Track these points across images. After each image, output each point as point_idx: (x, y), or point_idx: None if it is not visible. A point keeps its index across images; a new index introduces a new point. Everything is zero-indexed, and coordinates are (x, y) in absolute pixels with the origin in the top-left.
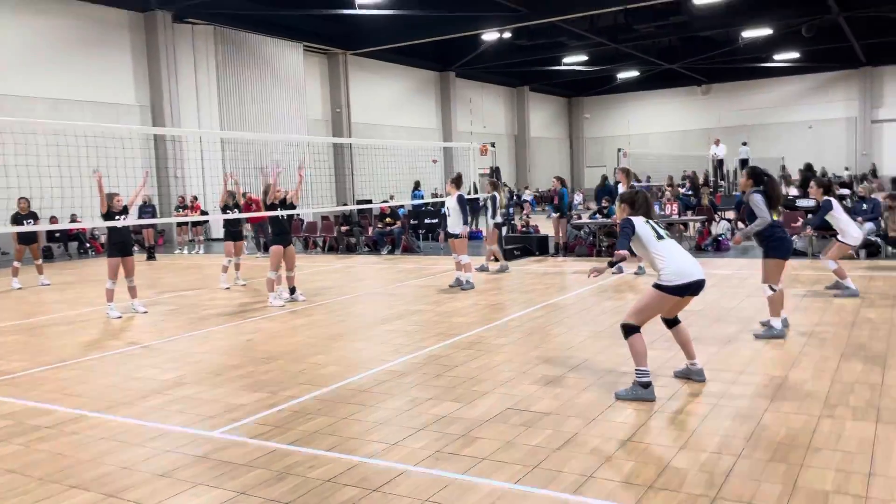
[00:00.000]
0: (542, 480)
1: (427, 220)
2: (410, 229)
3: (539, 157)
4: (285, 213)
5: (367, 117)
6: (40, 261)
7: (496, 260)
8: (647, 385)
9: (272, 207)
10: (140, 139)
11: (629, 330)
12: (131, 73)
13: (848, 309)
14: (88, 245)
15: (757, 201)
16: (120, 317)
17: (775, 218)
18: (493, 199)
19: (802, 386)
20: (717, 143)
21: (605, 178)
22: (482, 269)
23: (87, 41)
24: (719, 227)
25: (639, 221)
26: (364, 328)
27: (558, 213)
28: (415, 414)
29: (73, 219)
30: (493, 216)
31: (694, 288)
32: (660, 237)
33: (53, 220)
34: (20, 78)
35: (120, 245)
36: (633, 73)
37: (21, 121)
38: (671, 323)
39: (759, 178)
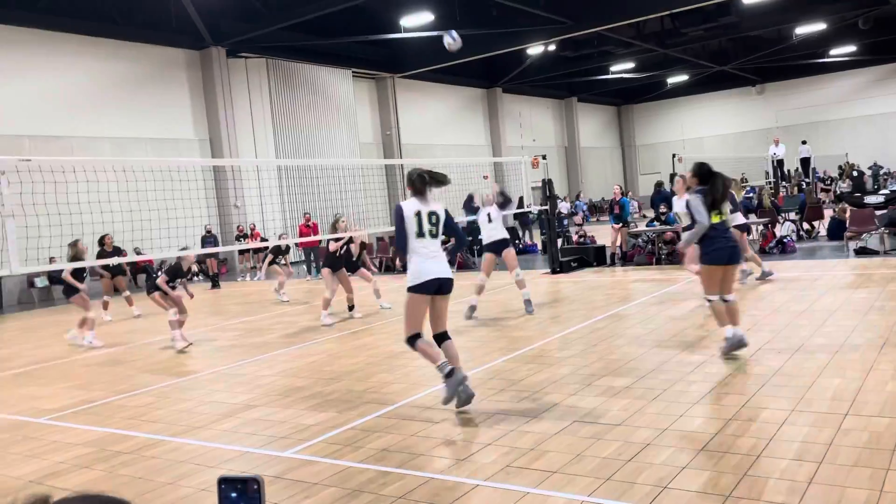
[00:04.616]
0: (616, 492)
1: (481, 236)
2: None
3: (591, 167)
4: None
5: (416, 138)
6: (127, 293)
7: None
8: (451, 373)
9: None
10: (201, 172)
11: (410, 342)
12: (189, 109)
13: None
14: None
15: (695, 204)
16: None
17: (715, 220)
18: (732, 198)
19: (884, 388)
20: (776, 142)
21: (660, 184)
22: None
23: (147, 81)
24: (783, 229)
25: (409, 208)
26: None
27: (620, 223)
28: (482, 429)
29: (138, 252)
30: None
31: (435, 286)
32: (420, 234)
33: (123, 253)
34: (87, 119)
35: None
36: (684, 78)
37: (90, 160)
38: (439, 338)
39: (704, 176)
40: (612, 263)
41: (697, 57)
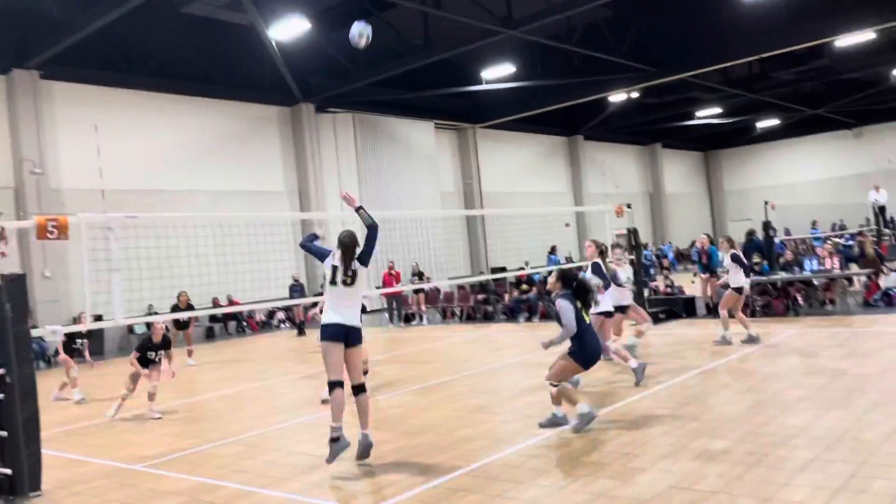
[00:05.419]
0: None
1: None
2: (547, 295)
3: (678, 214)
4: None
5: (497, 186)
6: (192, 346)
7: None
8: (336, 439)
9: None
10: (290, 223)
11: (329, 387)
12: (280, 162)
13: None
14: (245, 323)
15: (564, 308)
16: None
17: (587, 321)
18: (735, 257)
19: None
20: (877, 188)
21: (752, 232)
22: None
23: (241, 136)
24: (889, 280)
25: (329, 260)
26: (507, 400)
27: (708, 273)
28: (570, 492)
29: (230, 300)
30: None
31: (341, 334)
32: (333, 282)
33: (216, 301)
34: (186, 174)
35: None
36: (774, 122)
37: (189, 215)
38: (355, 390)
39: (568, 281)
40: (705, 315)
41: (788, 101)
